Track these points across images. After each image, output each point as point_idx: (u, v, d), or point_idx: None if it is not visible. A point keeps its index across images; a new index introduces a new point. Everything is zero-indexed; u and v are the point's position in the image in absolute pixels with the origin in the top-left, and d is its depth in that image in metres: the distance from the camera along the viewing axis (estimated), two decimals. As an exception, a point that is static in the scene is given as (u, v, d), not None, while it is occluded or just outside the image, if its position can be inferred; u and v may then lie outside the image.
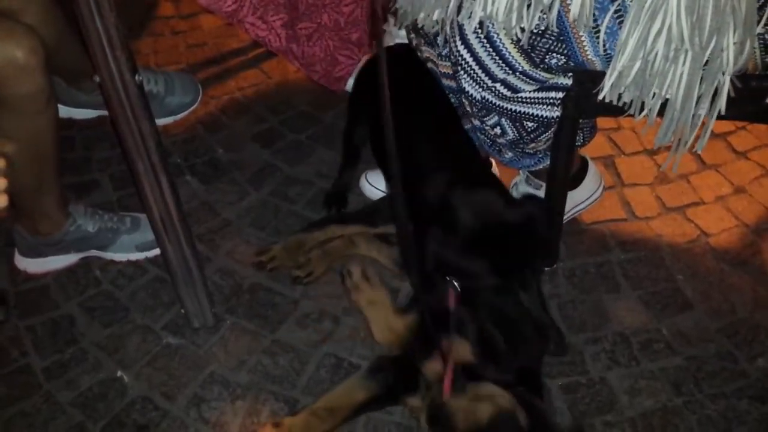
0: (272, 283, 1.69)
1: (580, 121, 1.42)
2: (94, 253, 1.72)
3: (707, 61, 1.15)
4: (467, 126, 1.55)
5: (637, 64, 1.15)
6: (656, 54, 1.13)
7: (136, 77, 1.25)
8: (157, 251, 1.64)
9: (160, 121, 2.05)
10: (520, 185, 1.76)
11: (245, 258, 1.74)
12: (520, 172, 1.75)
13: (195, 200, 1.88)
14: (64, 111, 2.01)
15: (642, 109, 1.23)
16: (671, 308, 1.63)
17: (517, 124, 1.39)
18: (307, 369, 1.53)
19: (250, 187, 1.91)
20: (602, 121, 1.93)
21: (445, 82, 1.45)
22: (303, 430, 1.37)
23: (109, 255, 1.73)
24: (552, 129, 1.41)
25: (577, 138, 1.49)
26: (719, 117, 1.27)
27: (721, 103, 1.20)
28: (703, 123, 1.26)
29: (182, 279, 1.51)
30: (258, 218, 1.83)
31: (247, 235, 1.79)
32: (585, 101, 1.31)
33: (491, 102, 1.35)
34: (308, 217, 1.82)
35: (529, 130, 1.41)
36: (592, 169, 1.78)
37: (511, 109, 1.36)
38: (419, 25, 1.40)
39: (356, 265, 1.55)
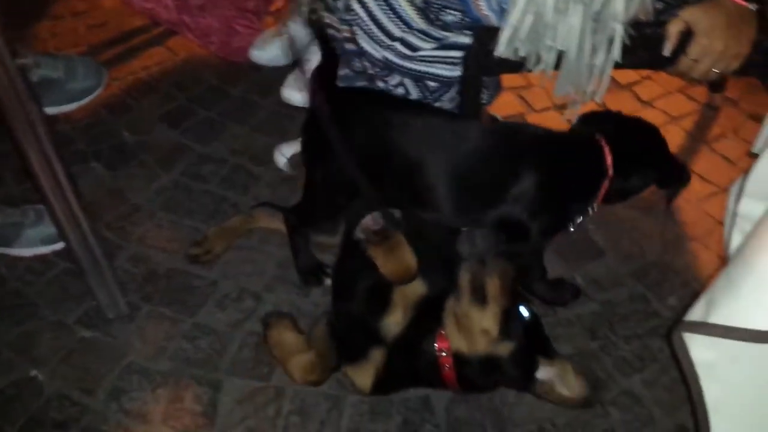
0: (189, 267, 1.64)
1: (484, 78, 1.43)
2: (-2, 250, 1.64)
3: (598, 11, 1.16)
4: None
5: (530, 18, 1.15)
6: (547, 6, 1.14)
7: (17, 61, 1.18)
8: (63, 243, 1.57)
9: (64, 108, 1.97)
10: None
11: (158, 243, 1.69)
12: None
13: (102, 187, 1.81)
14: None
15: (539, 63, 1.24)
16: (584, 257, 1.67)
17: (420, 84, 1.39)
18: (230, 350, 1.50)
19: (160, 170, 1.86)
20: (512, 80, 1.95)
21: (347, 46, 1.43)
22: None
23: (14, 251, 1.65)
24: (454, 88, 1.40)
25: (483, 96, 1.49)
26: (617, 66, 1.29)
27: (616, 52, 1.22)
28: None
29: (90, 270, 1.46)
30: (169, 201, 1.78)
31: (159, 219, 1.74)
32: (485, 59, 1.31)
33: (392, 61, 1.34)
34: (222, 196, 1.79)
35: (431, 89, 1.40)
36: (504, 127, 1.80)
37: (411, 68, 1.35)
38: (316, -10, 1.38)
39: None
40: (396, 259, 1.31)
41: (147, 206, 1.77)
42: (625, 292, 1.61)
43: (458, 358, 1.29)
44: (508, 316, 1.26)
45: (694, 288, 1.62)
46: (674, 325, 0.88)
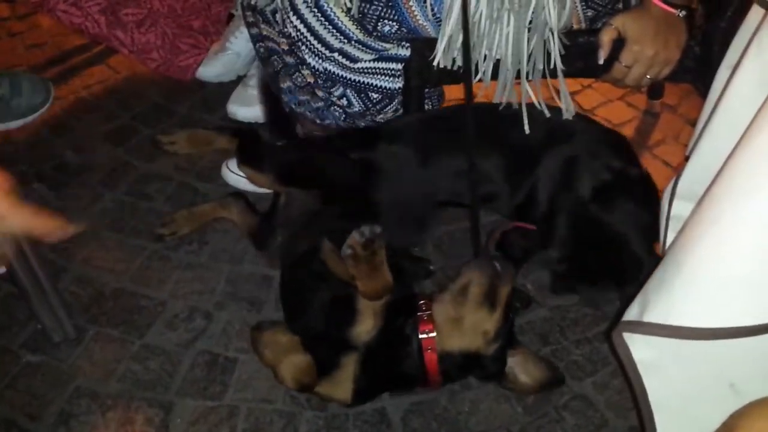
0: (136, 287, 1.62)
1: (426, 89, 1.44)
2: (-64, 277, 1.59)
3: (531, 20, 1.19)
4: (317, 105, 1.54)
5: (465, 27, 1.17)
6: (481, 15, 1.16)
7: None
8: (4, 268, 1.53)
9: (10, 125, 1.95)
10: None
11: (104, 263, 1.66)
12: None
13: (45, 208, 1.76)
14: None
15: (477, 72, 1.26)
16: (533, 264, 1.68)
17: (362, 95, 1.40)
18: (181, 370, 1.48)
19: (104, 189, 1.83)
20: (457, 92, 1.96)
21: (287, 59, 1.44)
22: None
23: (-46, 277, 1.60)
24: (397, 100, 1.42)
25: (426, 107, 1.51)
26: (553, 75, 1.32)
27: (558, 60, 1.25)
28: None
29: (34, 293, 1.43)
30: (115, 220, 1.75)
31: (104, 240, 1.71)
32: (425, 69, 1.32)
33: (334, 73, 1.35)
34: (169, 214, 1.76)
35: (374, 101, 1.41)
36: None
37: (353, 79, 1.36)
38: (253, 3, 1.38)
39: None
40: (378, 277, 1.29)
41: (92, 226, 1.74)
42: (574, 296, 1.63)
43: (443, 353, 1.31)
44: (506, 318, 1.31)
45: (641, 289, 1.65)
46: (613, 326, 0.90)
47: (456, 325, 1.30)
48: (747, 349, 0.78)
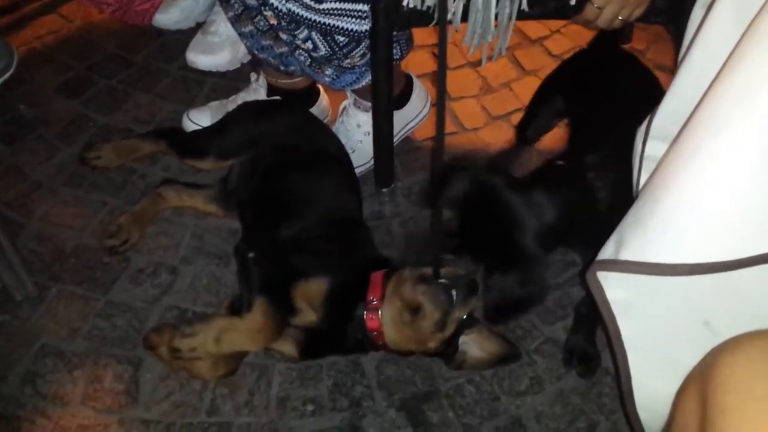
0: (98, 243, 1.57)
1: (394, 33, 1.40)
2: None
3: (504, -41, 1.16)
4: (281, 50, 1.49)
5: (435, -34, 1.13)
6: (451, -46, 1.12)
7: None
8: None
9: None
10: (349, 108, 1.73)
11: (64, 220, 1.61)
12: (348, 94, 1.72)
13: (0, 164, 1.71)
14: None
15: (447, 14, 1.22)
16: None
17: (328, 38, 1.35)
18: (148, 326, 1.45)
19: (61, 143, 1.76)
20: (425, 38, 1.92)
21: (248, 1, 1.38)
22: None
23: None
24: (364, 43, 1.38)
25: (395, 51, 1.47)
26: (525, 16, 1.29)
27: (524, 1, 1.22)
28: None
29: (-9, 251, 1.38)
30: (73, 176, 1.70)
31: (63, 195, 1.66)
32: (394, 11, 1.29)
33: (297, 14, 1.30)
34: (129, 167, 1.71)
35: (340, 44, 1.37)
36: (418, 86, 1.78)
37: (318, 21, 1.32)
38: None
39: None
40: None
41: (49, 182, 1.69)
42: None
43: (393, 345, 1.33)
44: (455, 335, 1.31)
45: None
46: (587, 266, 0.89)
47: (401, 332, 1.30)
48: (722, 285, 0.78)
